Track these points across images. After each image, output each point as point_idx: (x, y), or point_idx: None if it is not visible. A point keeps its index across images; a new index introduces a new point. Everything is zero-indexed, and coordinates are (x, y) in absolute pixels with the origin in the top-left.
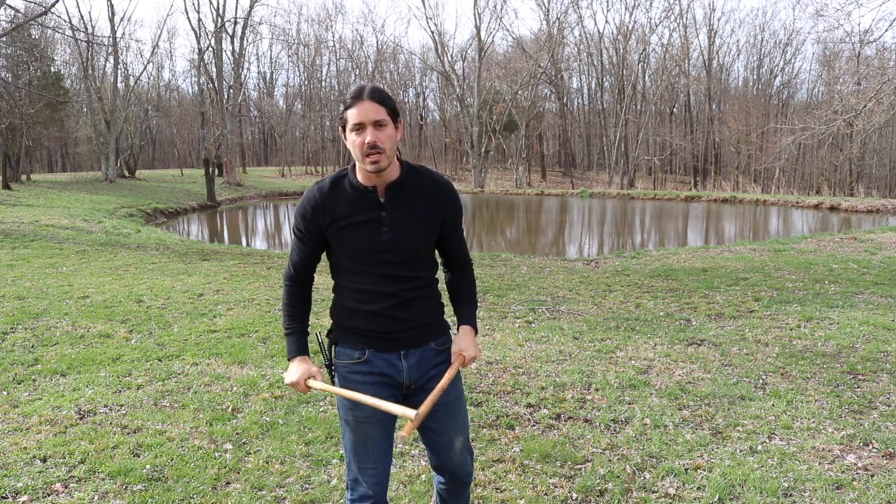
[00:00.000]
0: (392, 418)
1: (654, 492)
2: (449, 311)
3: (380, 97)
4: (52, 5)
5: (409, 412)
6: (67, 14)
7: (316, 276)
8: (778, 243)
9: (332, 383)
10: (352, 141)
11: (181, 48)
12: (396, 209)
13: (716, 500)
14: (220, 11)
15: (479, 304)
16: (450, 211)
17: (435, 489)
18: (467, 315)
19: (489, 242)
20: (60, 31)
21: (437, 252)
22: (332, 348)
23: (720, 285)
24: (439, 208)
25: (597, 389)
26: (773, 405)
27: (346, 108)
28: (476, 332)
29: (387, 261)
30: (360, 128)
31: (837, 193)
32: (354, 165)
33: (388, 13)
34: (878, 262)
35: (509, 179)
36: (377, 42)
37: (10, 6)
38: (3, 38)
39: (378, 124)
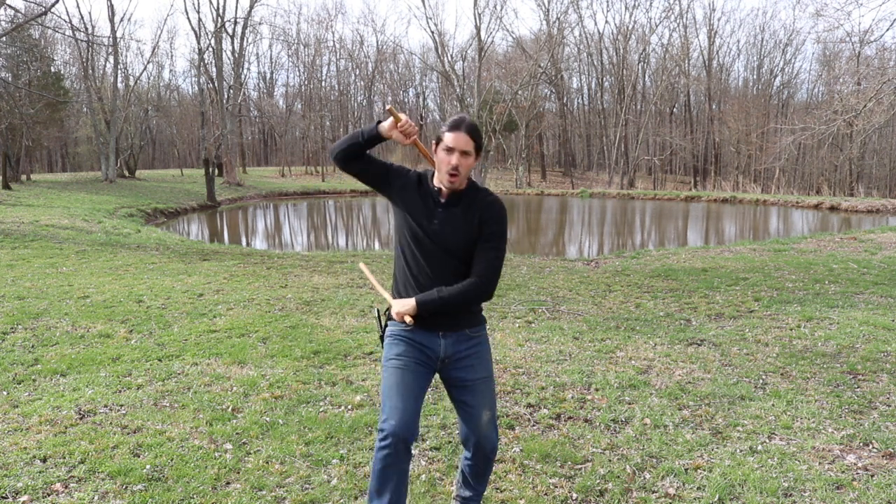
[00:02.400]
0: (425, 370)
1: (654, 492)
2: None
3: (473, 133)
4: (52, 5)
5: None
6: (67, 14)
7: (317, 276)
8: (778, 243)
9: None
10: (441, 158)
11: (181, 48)
12: (449, 209)
13: (716, 500)
14: (220, 11)
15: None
16: (487, 222)
17: (459, 469)
18: (428, 293)
19: None
20: (60, 31)
21: None
22: (386, 323)
23: (720, 285)
24: (479, 216)
25: (597, 389)
26: (773, 405)
27: (446, 131)
28: (417, 305)
29: (435, 249)
30: (450, 150)
31: (837, 193)
32: (434, 172)
33: (388, 13)
34: (878, 262)
35: (509, 179)
36: (377, 42)
37: (10, 6)
38: (3, 38)
39: (465, 153)
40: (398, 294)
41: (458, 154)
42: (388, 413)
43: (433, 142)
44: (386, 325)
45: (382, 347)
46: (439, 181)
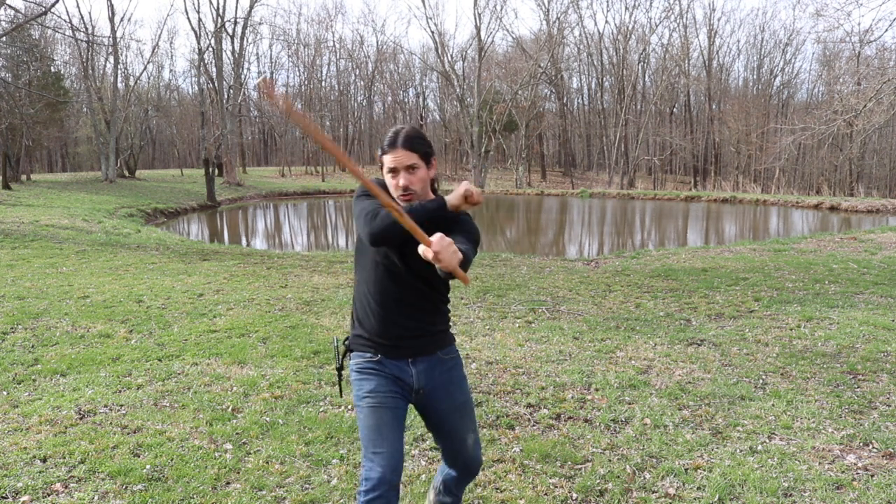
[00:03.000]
0: (403, 402)
1: (654, 492)
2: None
3: (411, 145)
4: (52, 5)
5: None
6: (67, 14)
7: (317, 276)
8: (778, 243)
9: (340, 388)
10: (388, 182)
11: (181, 48)
12: (427, 229)
13: (716, 500)
14: (220, 11)
15: (479, 305)
16: (459, 234)
17: (440, 478)
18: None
19: (489, 242)
20: (60, 31)
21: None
22: (346, 355)
23: (720, 285)
24: (453, 229)
25: (597, 389)
26: (773, 405)
27: (384, 153)
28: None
29: (412, 278)
30: (394, 171)
31: (837, 193)
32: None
33: (388, 13)
34: (878, 262)
35: (509, 179)
36: (377, 42)
37: (10, 6)
38: (3, 38)
39: (410, 168)
40: (358, 322)
41: (404, 172)
42: (373, 460)
43: (379, 165)
44: (344, 357)
45: (338, 382)
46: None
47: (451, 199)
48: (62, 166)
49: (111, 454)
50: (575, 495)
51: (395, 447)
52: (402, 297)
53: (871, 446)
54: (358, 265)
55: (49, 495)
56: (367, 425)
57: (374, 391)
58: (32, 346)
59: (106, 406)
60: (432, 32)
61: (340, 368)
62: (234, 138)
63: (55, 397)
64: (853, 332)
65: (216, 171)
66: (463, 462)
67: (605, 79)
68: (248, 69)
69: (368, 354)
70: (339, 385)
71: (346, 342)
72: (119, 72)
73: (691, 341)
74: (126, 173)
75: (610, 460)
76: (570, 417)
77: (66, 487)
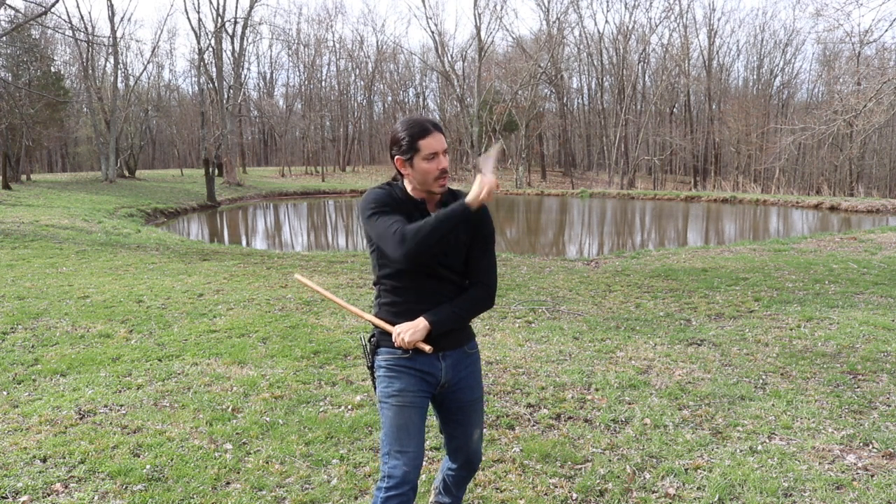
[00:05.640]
0: (427, 401)
1: (654, 492)
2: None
3: (442, 130)
4: (52, 5)
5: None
6: (67, 14)
7: (317, 276)
8: (778, 243)
9: (374, 386)
10: (424, 167)
11: (181, 48)
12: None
13: (716, 500)
14: (220, 11)
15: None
16: (479, 225)
17: (440, 477)
18: (439, 310)
19: None
20: (60, 31)
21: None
22: (375, 352)
23: (720, 285)
24: (471, 223)
25: (597, 389)
26: (773, 405)
27: (419, 139)
28: (430, 327)
29: (441, 269)
30: (434, 156)
31: (837, 193)
32: (397, 182)
33: (388, 13)
34: (878, 262)
35: (509, 179)
36: (377, 42)
37: (10, 6)
38: (3, 38)
39: (445, 152)
40: (392, 322)
41: (441, 155)
42: (399, 458)
43: (397, 157)
44: (375, 354)
45: (373, 379)
46: (419, 192)
47: (472, 199)
48: (62, 166)
49: (111, 454)
50: (575, 495)
51: (420, 448)
52: (443, 293)
53: (871, 446)
54: (387, 266)
55: (49, 495)
56: (396, 424)
57: (403, 390)
58: (32, 346)
59: (106, 406)
60: (432, 32)
61: (373, 367)
62: (234, 138)
63: (55, 397)
64: (853, 332)
65: (216, 171)
66: (465, 455)
67: (605, 79)
68: (248, 69)
69: (399, 351)
70: (374, 384)
71: (372, 339)
72: (119, 72)
73: (691, 341)
74: (126, 173)
75: (610, 460)
76: (570, 417)
77: (66, 487)
